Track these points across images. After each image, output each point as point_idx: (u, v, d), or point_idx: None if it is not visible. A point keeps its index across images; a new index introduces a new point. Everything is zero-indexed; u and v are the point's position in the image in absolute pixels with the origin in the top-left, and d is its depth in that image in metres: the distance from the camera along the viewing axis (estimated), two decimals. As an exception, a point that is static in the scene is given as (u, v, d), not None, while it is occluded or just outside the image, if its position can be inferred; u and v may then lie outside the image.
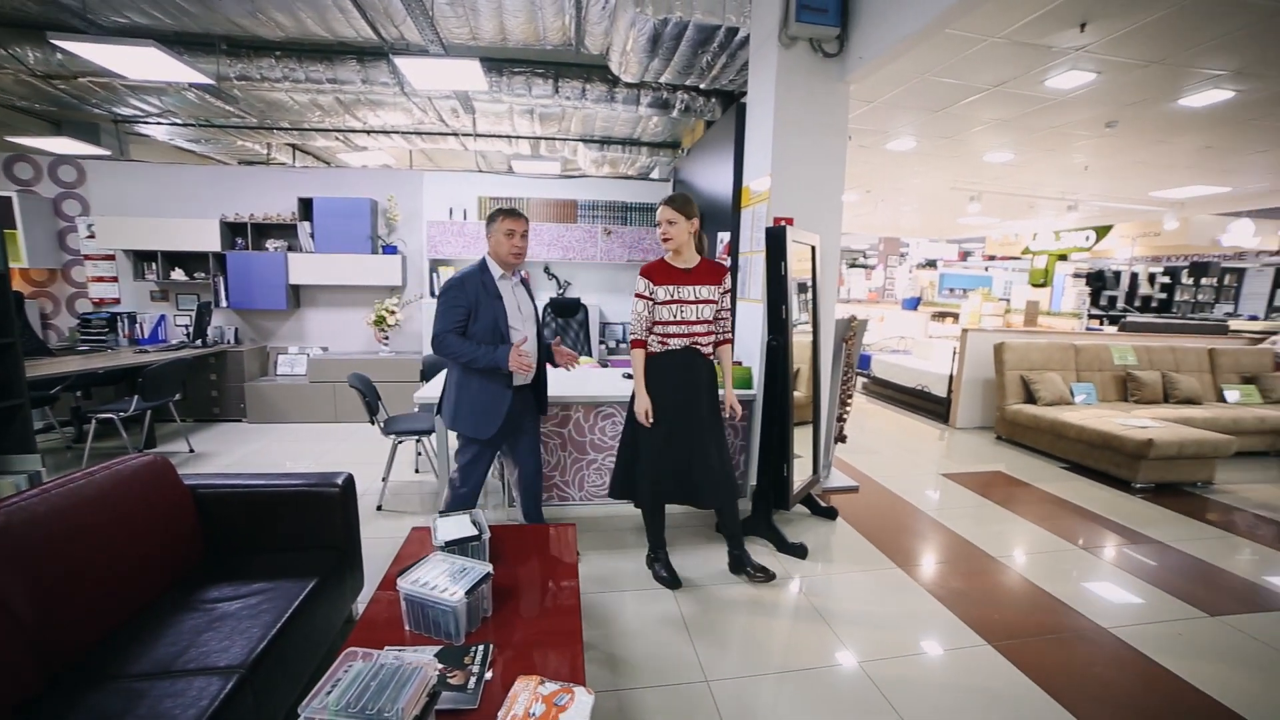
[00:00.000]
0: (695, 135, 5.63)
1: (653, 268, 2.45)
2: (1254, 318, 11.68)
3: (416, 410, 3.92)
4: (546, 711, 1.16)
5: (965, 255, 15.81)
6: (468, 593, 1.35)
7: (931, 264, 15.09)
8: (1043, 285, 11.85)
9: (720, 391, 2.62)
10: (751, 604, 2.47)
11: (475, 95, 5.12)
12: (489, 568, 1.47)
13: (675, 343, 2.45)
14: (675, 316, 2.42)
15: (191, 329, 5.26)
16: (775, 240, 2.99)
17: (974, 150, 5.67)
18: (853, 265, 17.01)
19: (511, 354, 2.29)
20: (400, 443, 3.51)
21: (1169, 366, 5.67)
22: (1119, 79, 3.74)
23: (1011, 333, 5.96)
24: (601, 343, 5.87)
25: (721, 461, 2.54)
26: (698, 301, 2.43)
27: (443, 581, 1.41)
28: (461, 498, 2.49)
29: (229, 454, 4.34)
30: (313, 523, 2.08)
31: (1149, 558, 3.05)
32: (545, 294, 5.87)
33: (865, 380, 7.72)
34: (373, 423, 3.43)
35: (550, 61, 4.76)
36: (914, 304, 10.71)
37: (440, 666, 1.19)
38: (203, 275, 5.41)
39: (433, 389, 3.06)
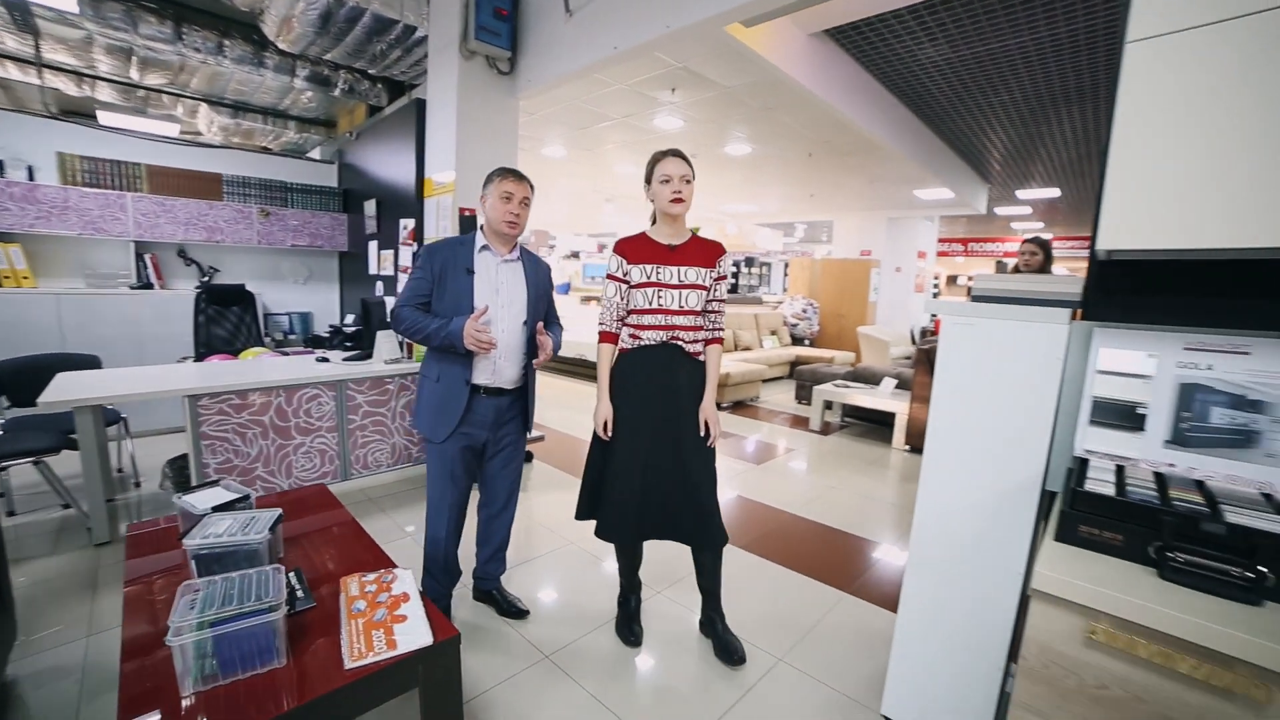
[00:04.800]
0: (355, 118, 5.47)
1: (628, 242, 1.98)
2: (774, 293, 17.44)
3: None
4: (378, 588, 1.47)
5: (602, 248, 18.70)
6: (270, 529, 1.49)
7: (575, 255, 17.40)
8: (660, 273, 15.14)
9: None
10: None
11: (40, 12, 3.82)
12: (279, 511, 1.59)
13: (650, 336, 1.94)
14: (651, 303, 1.92)
15: None
16: (468, 228, 3.47)
17: (608, 162, 7.11)
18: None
19: (467, 326, 1.87)
20: (2, 469, 2.69)
21: (737, 326, 8.31)
22: (695, 128, 5.41)
23: (644, 308, 7.76)
24: (267, 334, 5.25)
25: (709, 490, 1.98)
26: (681, 286, 1.92)
27: (235, 532, 1.49)
28: (438, 541, 2.09)
29: None
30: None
31: (736, 445, 4.79)
32: (187, 282, 4.92)
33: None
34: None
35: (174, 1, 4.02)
36: (565, 289, 12.40)
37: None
38: None
39: (62, 393, 2.51)
